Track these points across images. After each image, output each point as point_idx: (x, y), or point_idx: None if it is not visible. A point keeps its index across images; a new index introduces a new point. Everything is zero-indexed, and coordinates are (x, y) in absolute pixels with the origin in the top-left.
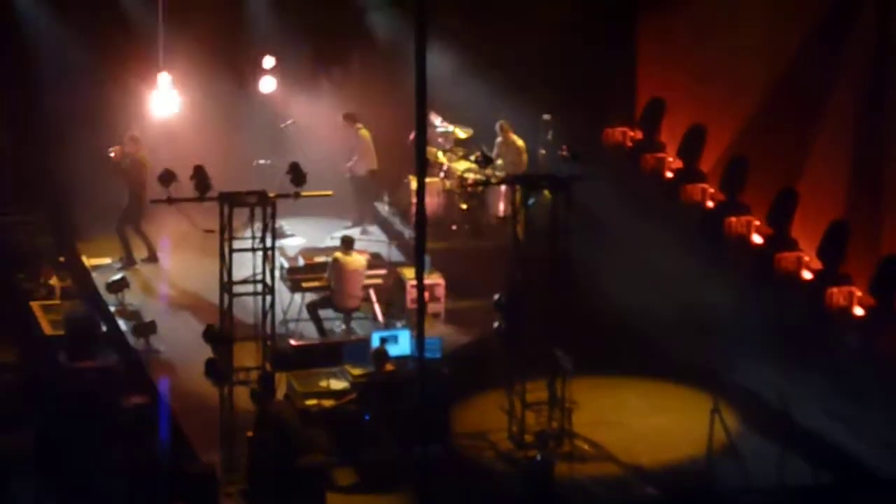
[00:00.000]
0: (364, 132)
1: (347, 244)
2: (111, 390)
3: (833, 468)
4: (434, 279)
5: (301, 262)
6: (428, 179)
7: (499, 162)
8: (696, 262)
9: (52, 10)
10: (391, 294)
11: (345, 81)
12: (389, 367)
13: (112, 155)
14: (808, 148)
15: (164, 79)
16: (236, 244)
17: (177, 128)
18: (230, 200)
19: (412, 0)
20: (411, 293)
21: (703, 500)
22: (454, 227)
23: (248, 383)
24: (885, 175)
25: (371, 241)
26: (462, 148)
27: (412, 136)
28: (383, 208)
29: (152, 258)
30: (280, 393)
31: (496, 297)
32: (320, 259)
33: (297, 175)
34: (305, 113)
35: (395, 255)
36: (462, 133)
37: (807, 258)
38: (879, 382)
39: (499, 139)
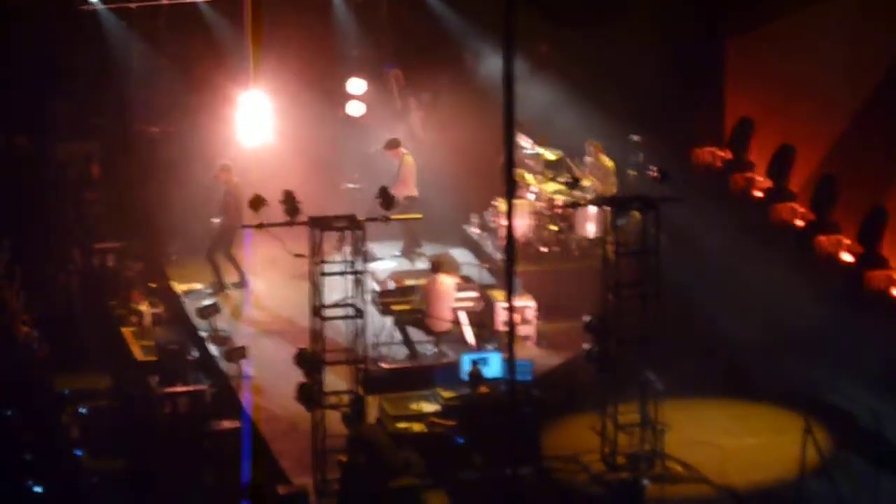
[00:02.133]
0: (409, 158)
1: (436, 267)
2: (202, 415)
3: None
4: (524, 301)
5: (391, 285)
6: (517, 201)
7: (587, 183)
8: (786, 281)
9: (143, 38)
10: (482, 317)
11: (433, 105)
12: (484, 389)
13: (218, 174)
14: None
15: (253, 101)
16: (326, 268)
17: (266, 153)
18: (320, 224)
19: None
20: (502, 315)
21: None
22: (544, 250)
23: (340, 407)
24: None
25: (464, 263)
26: (551, 170)
27: (501, 158)
28: (473, 231)
29: (243, 283)
30: (372, 416)
31: (586, 318)
32: (410, 282)
33: (386, 199)
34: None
35: (486, 277)
36: (551, 155)
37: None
38: None
39: (588, 159)
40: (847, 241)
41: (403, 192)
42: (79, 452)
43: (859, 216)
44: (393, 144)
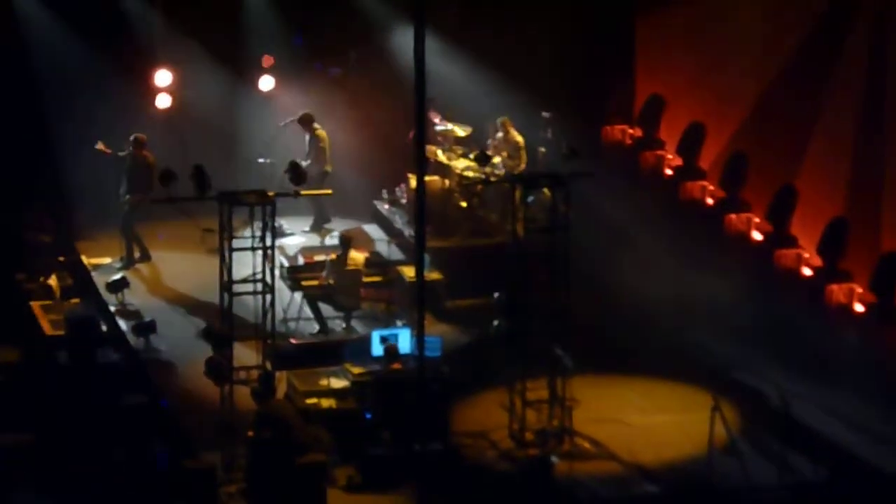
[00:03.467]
0: (321, 133)
1: (346, 242)
2: (111, 390)
3: (833, 465)
4: (434, 277)
5: (301, 260)
6: (427, 178)
7: (497, 159)
8: (696, 259)
9: (52, 10)
10: (391, 293)
11: (343, 79)
12: (397, 365)
13: (100, 148)
14: (808, 144)
15: (162, 76)
16: (236, 243)
17: (176, 127)
18: (229, 199)
19: None
20: (410, 290)
21: (703, 497)
22: (453, 226)
23: (249, 382)
24: (884, 171)
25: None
26: (461, 146)
27: (411, 133)
28: (383, 206)
29: (145, 258)
30: (280, 392)
31: (496, 295)
32: (320, 258)
33: (296, 174)
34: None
35: (395, 253)
36: (461, 131)
37: (807, 255)
38: (879, 379)
39: (499, 134)
40: (757, 220)
41: (317, 167)
42: None
43: (769, 194)
44: (306, 119)
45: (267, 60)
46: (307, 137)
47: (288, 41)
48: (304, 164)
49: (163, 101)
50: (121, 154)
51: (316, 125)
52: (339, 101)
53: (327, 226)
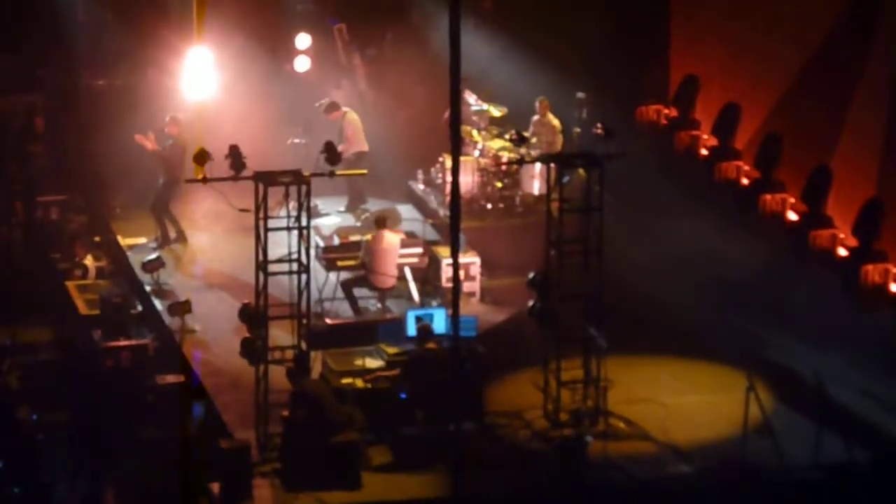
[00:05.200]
0: (352, 115)
1: (381, 223)
2: (145, 369)
3: (868, 446)
4: (469, 258)
5: (336, 240)
6: (462, 158)
7: (533, 140)
8: (731, 239)
9: None
10: (426, 273)
11: (379, 60)
12: (431, 345)
13: (139, 139)
14: (842, 125)
15: (199, 56)
16: (271, 223)
17: (212, 107)
18: (265, 180)
19: None
20: (446, 272)
21: (737, 477)
22: (489, 206)
23: (284, 362)
24: None
25: (408, 219)
26: (497, 127)
27: (446, 114)
28: (418, 187)
29: (181, 238)
30: (315, 372)
31: (531, 275)
32: (355, 238)
33: (331, 154)
34: (340, 92)
35: (430, 233)
36: (497, 111)
37: (842, 236)
38: None
39: (536, 117)
40: (792, 200)
41: (351, 149)
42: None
43: (804, 175)
44: (332, 108)
45: (303, 39)
46: (339, 123)
47: (325, 21)
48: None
49: (301, 64)
50: (162, 148)
51: (345, 108)
52: (375, 81)
53: (363, 206)
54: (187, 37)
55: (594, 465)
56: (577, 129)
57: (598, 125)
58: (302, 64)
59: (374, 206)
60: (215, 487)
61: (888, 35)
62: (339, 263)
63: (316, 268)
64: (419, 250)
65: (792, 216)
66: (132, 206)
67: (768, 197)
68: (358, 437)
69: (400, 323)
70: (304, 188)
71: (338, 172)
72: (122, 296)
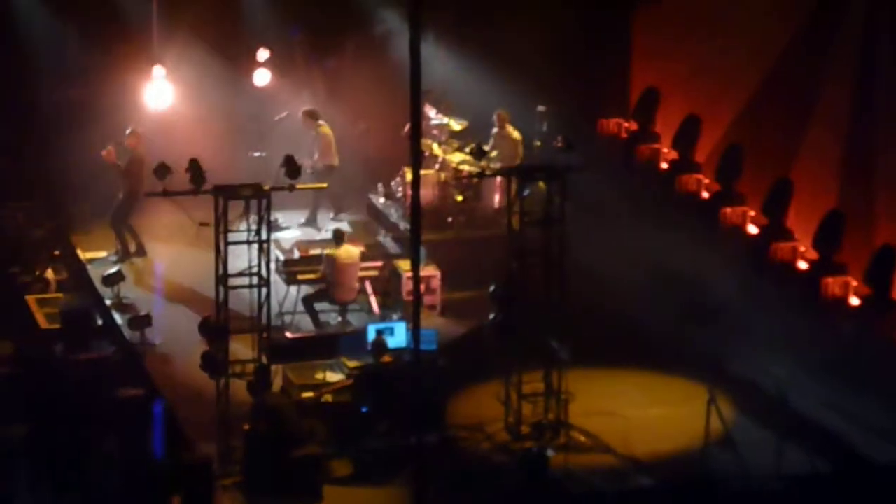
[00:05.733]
0: (325, 129)
1: (340, 237)
2: (106, 382)
3: (830, 456)
4: (430, 271)
5: (296, 254)
6: (423, 171)
7: (494, 153)
8: (692, 253)
9: (49, 6)
10: (387, 286)
11: (339, 72)
12: (387, 358)
13: (104, 154)
14: (802, 138)
15: (158, 72)
16: (231, 237)
17: (171, 121)
18: (225, 193)
19: None
20: (407, 285)
21: (699, 489)
22: (450, 219)
23: (244, 376)
24: (877, 164)
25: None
26: (457, 140)
27: (407, 127)
28: (378, 200)
29: (140, 252)
30: (276, 385)
31: (492, 288)
32: (315, 251)
33: (291, 167)
34: (300, 105)
35: (391, 246)
36: (457, 125)
37: (802, 248)
38: (875, 371)
39: (495, 130)
40: (752, 213)
41: (323, 162)
42: None
43: (764, 187)
44: (310, 115)
45: (263, 53)
46: (312, 133)
47: (284, 34)
48: (311, 161)
49: (261, 78)
50: (120, 164)
51: (320, 122)
52: (335, 94)
53: (327, 220)
54: (147, 50)
55: (555, 478)
56: (538, 142)
57: (559, 138)
58: (262, 77)
59: (333, 220)
60: (176, 501)
61: (847, 48)
62: (300, 277)
63: (276, 281)
64: (379, 264)
65: (752, 229)
66: (92, 220)
67: (729, 210)
68: (319, 451)
69: (361, 336)
70: (264, 202)
71: (298, 186)
72: (82, 309)
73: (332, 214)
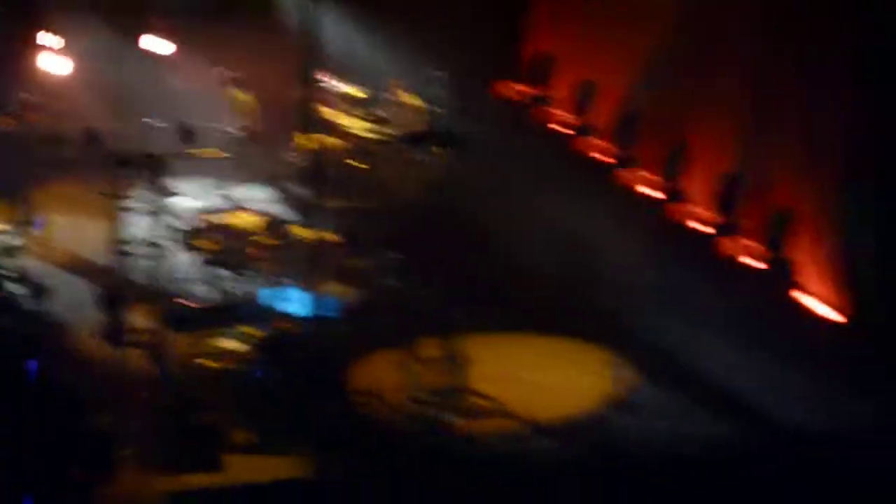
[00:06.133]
0: (239, 94)
1: (238, 204)
2: (4, 355)
3: (732, 420)
4: (328, 238)
5: (195, 222)
6: (318, 138)
7: (390, 120)
8: (591, 216)
9: None
10: (285, 253)
11: (234, 40)
12: (286, 325)
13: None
14: (701, 101)
15: (53, 40)
16: (128, 205)
17: (67, 89)
18: (122, 161)
19: None
20: (305, 251)
21: (601, 453)
22: (347, 187)
23: (143, 344)
24: (775, 127)
25: (268, 200)
26: (353, 107)
27: (302, 93)
28: (276, 167)
29: (34, 223)
30: (175, 353)
31: (390, 254)
32: (213, 219)
33: (185, 134)
34: (194, 72)
35: (289, 214)
36: (353, 92)
37: (700, 210)
38: (773, 332)
39: (391, 97)
40: (650, 176)
41: (241, 127)
42: None
43: (662, 151)
44: (226, 81)
45: (157, 21)
46: (229, 101)
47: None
48: (229, 128)
49: (159, 46)
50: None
51: (235, 89)
52: (231, 61)
53: (223, 187)
54: (42, 17)
55: (456, 443)
56: (434, 108)
57: (455, 103)
58: (157, 45)
59: (234, 187)
60: (75, 471)
61: (747, 13)
62: (198, 245)
63: (175, 249)
64: (276, 231)
65: (650, 191)
66: None
67: (625, 172)
68: (219, 419)
69: (260, 304)
70: (160, 169)
71: (192, 153)
72: None
73: (233, 182)
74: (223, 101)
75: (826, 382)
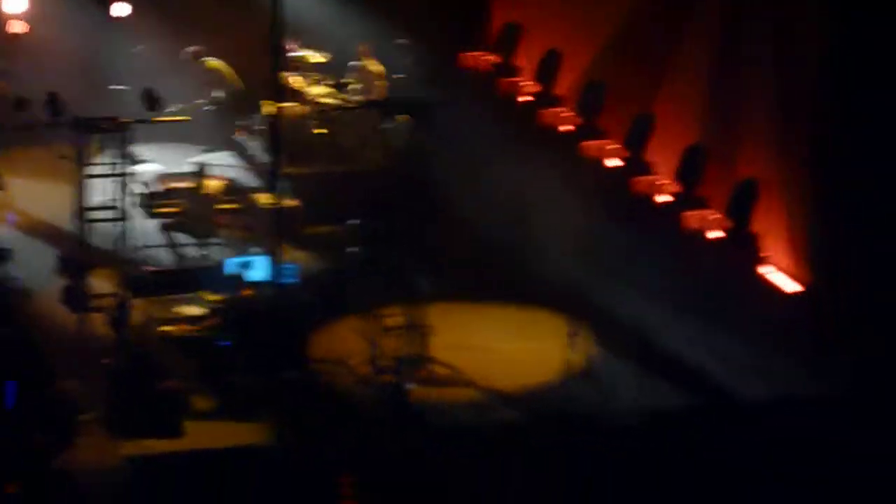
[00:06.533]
0: (212, 63)
1: (201, 170)
2: None
3: (692, 391)
4: (290, 204)
5: (157, 187)
6: (282, 105)
7: (355, 87)
8: (555, 186)
9: None
10: (247, 220)
11: (199, 5)
12: (247, 292)
13: None
14: (665, 72)
15: (12, 3)
16: (91, 170)
17: (29, 53)
18: (84, 126)
19: None
20: (267, 218)
21: (560, 423)
22: (310, 154)
23: (105, 310)
24: (741, 99)
25: (229, 166)
26: (317, 73)
27: (268, 59)
28: (240, 134)
29: (7, 218)
30: (137, 319)
31: (353, 222)
32: (176, 185)
33: (150, 100)
34: (159, 37)
35: (252, 180)
36: (317, 57)
37: (662, 182)
38: (735, 304)
39: (356, 63)
40: (614, 146)
41: (219, 93)
42: None
43: (626, 121)
44: (196, 55)
45: None
46: (202, 71)
47: None
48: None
49: (119, 10)
50: None
51: (206, 58)
52: (196, 28)
53: (187, 153)
54: None
55: (417, 412)
56: (400, 75)
57: (420, 71)
58: (120, 9)
59: (196, 153)
60: (37, 438)
61: None
62: (161, 210)
63: (137, 215)
64: (240, 197)
65: (613, 162)
66: None
67: (589, 143)
68: (180, 385)
69: (221, 270)
70: (124, 134)
71: (157, 119)
72: None
73: (197, 149)
74: (191, 69)
75: (783, 353)
